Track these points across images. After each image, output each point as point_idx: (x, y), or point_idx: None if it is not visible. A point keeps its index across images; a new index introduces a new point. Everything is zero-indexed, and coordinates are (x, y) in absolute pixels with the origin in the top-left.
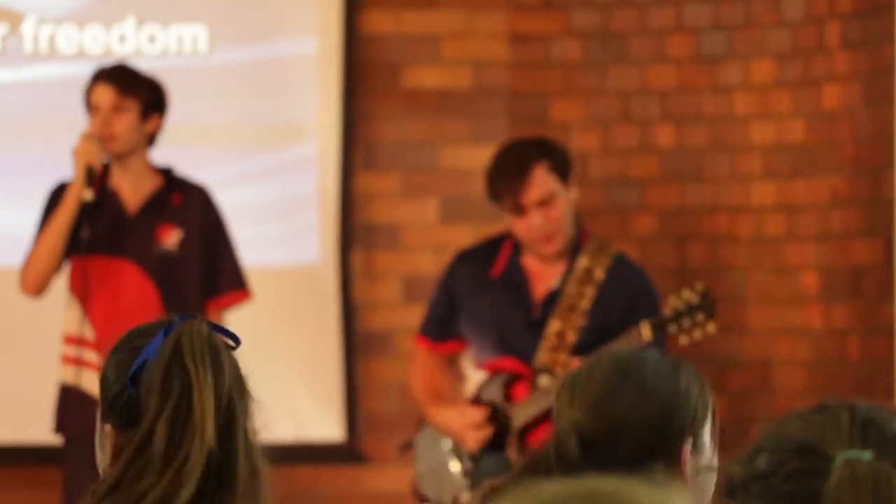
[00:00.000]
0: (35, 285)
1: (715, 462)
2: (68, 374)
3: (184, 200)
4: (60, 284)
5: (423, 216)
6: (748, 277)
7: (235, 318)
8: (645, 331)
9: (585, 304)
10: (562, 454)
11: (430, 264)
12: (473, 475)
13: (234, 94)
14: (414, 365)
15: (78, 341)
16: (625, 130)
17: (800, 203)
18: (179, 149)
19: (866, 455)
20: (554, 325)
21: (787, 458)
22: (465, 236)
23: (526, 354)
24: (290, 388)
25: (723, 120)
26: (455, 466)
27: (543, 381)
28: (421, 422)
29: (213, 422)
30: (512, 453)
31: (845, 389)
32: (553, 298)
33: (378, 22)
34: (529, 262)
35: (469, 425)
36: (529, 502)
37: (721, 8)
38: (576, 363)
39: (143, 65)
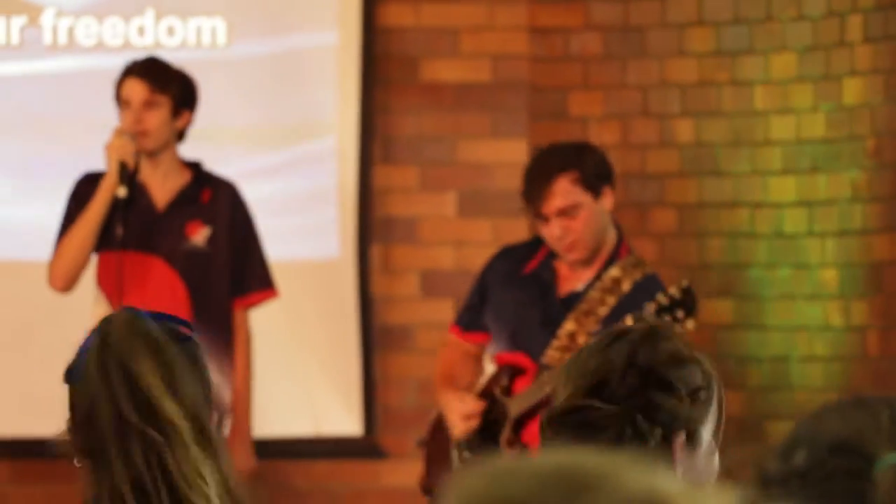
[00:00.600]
0: (64, 280)
1: (715, 461)
2: None
3: (213, 196)
4: (85, 279)
5: (441, 210)
6: (768, 273)
7: (254, 313)
8: (627, 324)
9: (604, 311)
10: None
11: (449, 259)
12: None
13: (252, 88)
14: (439, 351)
15: None
16: (644, 125)
17: (820, 198)
18: (197, 142)
19: None
20: (568, 326)
21: (827, 455)
22: (484, 231)
23: (536, 352)
24: (309, 383)
25: (743, 114)
26: (455, 456)
27: (544, 377)
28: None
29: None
30: (505, 443)
31: (865, 385)
32: (573, 300)
33: (397, 15)
34: (561, 265)
35: (461, 413)
36: (510, 479)
37: (742, 2)
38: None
39: (162, 56)
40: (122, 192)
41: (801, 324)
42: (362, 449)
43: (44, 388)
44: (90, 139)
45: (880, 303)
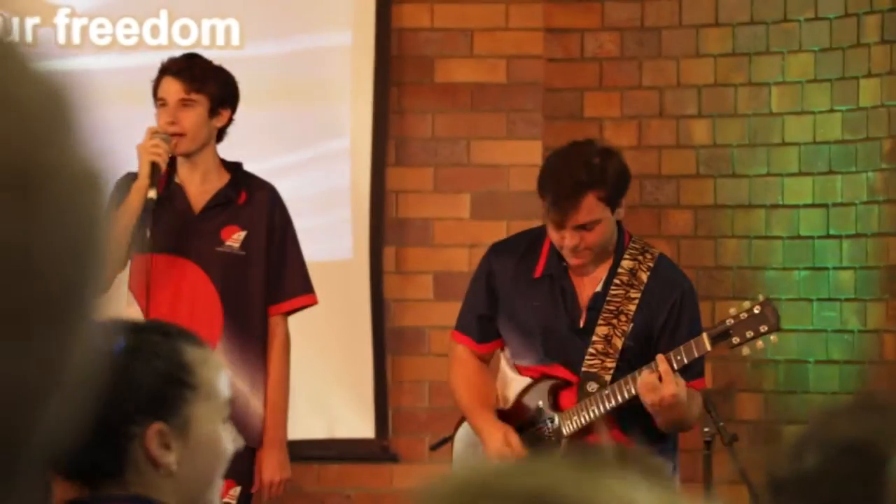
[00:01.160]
0: None
1: None
2: None
3: (249, 199)
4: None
5: (455, 212)
6: (784, 275)
7: None
8: (705, 342)
9: (631, 308)
10: None
11: (463, 260)
12: None
13: (266, 89)
14: (455, 364)
15: None
16: (660, 126)
17: (836, 200)
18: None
19: None
20: (601, 331)
21: (838, 457)
22: (498, 232)
23: (572, 361)
24: (322, 385)
25: (759, 116)
26: None
27: (591, 387)
28: (462, 420)
29: None
30: None
31: (881, 388)
32: (598, 303)
33: (412, 15)
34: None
35: (506, 455)
36: (482, 499)
37: (758, 2)
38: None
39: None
40: (152, 193)
41: (817, 326)
42: (375, 451)
43: None
44: (105, 138)
45: None
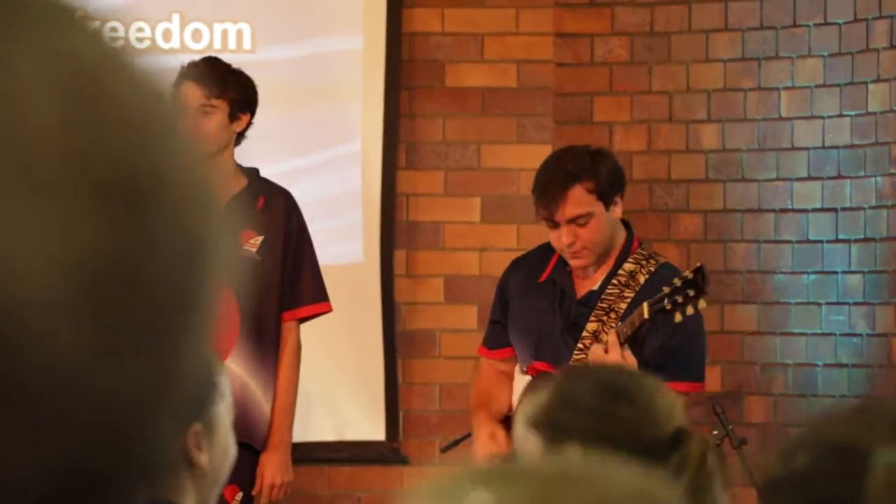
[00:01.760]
0: None
1: None
2: None
3: (266, 204)
4: None
5: (465, 215)
6: (793, 279)
7: None
8: (645, 310)
9: (623, 306)
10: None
11: (473, 264)
12: None
13: (278, 93)
14: (475, 374)
15: None
16: (670, 130)
17: (845, 204)
18: None
19: None
20: (591, 326)
21: (826, 457)
22: (508, 236)
23: (561, 357)
24: (333, 387)
25: (768, 120)
26: None
27: None
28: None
29: None
30: None
31: (890, 392)
32: (592, 299)
33: (423, 20)
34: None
35: (490, 449)
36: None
37: (767, 7)
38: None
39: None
40: None
41: (826, 330)
42: (385, 454)
43: None
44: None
45: None
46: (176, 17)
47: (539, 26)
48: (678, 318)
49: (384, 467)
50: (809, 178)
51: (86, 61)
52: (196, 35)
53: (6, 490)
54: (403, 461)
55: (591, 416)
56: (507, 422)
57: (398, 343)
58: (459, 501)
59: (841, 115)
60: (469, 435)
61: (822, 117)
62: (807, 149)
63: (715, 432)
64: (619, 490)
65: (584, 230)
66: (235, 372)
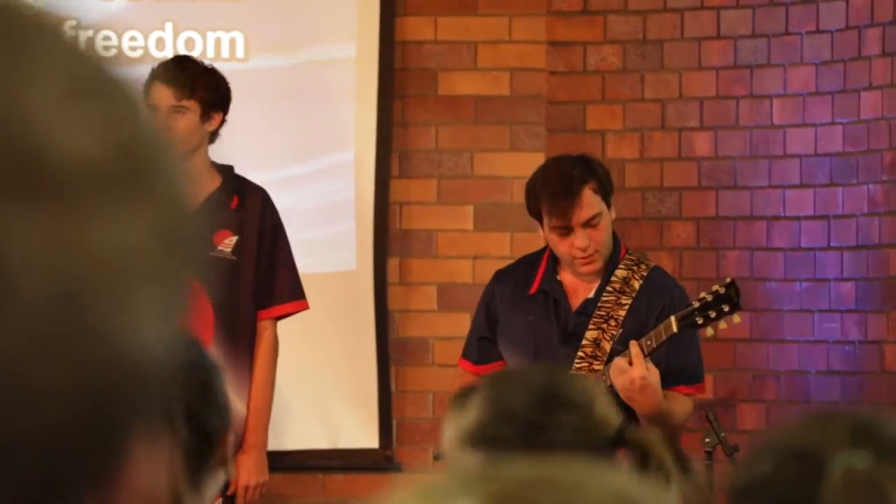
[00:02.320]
0: None
1: None
2: None
3: (241, 203)
4: None
5: (458, 223)
6: (785, 286)
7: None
8: (672, 324)
9: (622, 312)
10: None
11: (466, 272)
12: None
13: (271, 101)
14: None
15: None
16: (662, 138)
17: (837, 212)
18: (216, 155)
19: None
20: (590, 335)
21: (785, 463)
22: (501, 244)
23: (562, 366)
24: (325, 395)
25: (760, 128)
26: None
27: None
28: None
29: None
30: None
31: (882, 400)
32: (589, 307)
33: (416, 28)
34: (566, 276)
35: None
36: (481, 488)
37: (759, 15)
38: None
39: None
40: None
41: (818, 337)
42: (378, 461)
43: None
44: None
45: None
46: (169, 26)
47: (532, 34)
48: (710, 332)
49: (378, 475)
50: (802, 185)
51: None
52: (189, 43)
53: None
54: (397, 469)
55: (530, 428)
56: None
57: (391, 351)
58: None
59: (833, 123)
60: None
61: (815, 125)
62: (799, 156)
63: (707, 440)
64: (607, 495)
65: (597, 231)
66: None
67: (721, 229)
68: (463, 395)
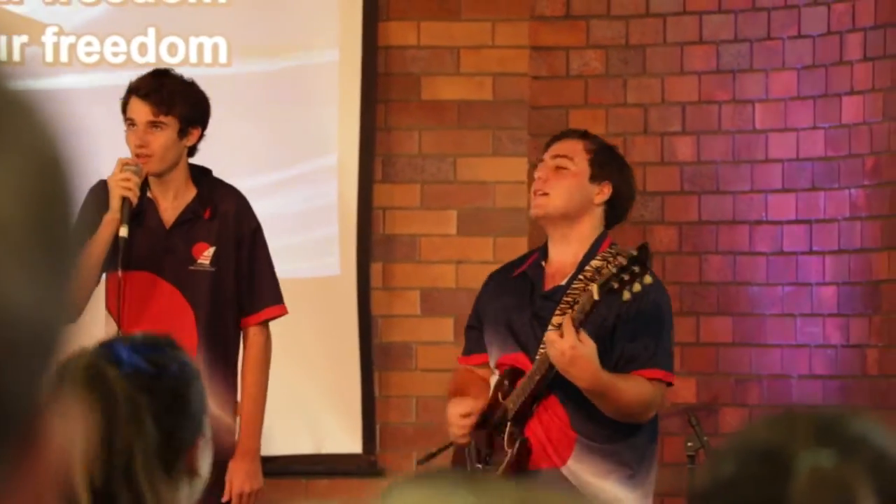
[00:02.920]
0: None
1: None
2: None
3: (214, 214)
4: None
5: (442, 228)
6: (767, 291)
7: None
8: (595, 291)
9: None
10: None
11: (449, 276)
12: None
13: (254, 106)
14: (452, 377)
15: None
16: (645, 143)
17: (819, 216)
18: (199, 160)
19: (828, 457)
20: (556, 320)
21: (751, 463)
22: (484, 249)
23: (530, 349)
24: (310, 400)
25: (743, 132)
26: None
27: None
28: None
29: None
30: (507, 443)
31: (864, 404)
32: (557, 294)
33: (399, 33)
34: (550, 263)
35: (457, 413)
36: None
37: (742, 20)
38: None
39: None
40: (123, 231)
41: (800, 342)
42: (362, 467)
43: None
44: (92, 155)
45: (879, 321)
46: (152, 32)
47: (515, 39)
48: (626, 296)
49: (361, 480)
50: (784, 190)
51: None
52: (172, 49)
53: None
54: (380, 474)
55: None
56: (482, 423)
57: (375, 356)
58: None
59: (815, 128)
60: (447, 447)
61: (796, 130)
62: (781, 161)
63: (690, 444)
64: None
65: (559, 175)
66: None
67: (703, 234)
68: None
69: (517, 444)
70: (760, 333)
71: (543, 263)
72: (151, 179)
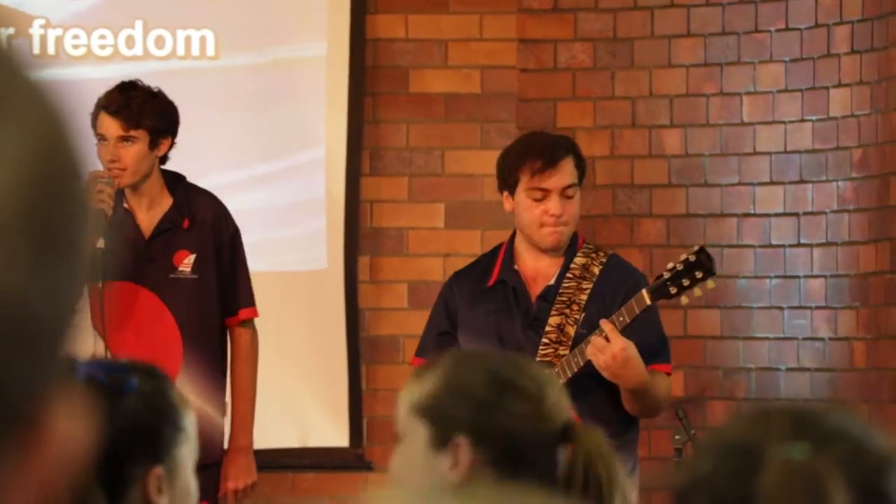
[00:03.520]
0: None
1: None
2: None
3: (192, 223)
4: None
5: (429, 221)
6: (755, 283)
7: None
8: (645, 296)
9: (583, 298)
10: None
11: (437, 270)
12: None
13: (241, 99)
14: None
15: None
16: (632, 135)
17: (807, 209)
18: (186, 154)
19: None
20: (553, 320)
21: (726, 459)
22: (472, 242)
23: (528, 353)
24: (296, 394)
25: (730, 125)
26: None
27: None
28: None
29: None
30: None
31: (851, 396)
32: (550, 294)
33: (386, 26)
34: (523, 266)
35: None
36: None
37: (729, 13)
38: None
39: (151, 67)
40: (100, 243)
41: (788, 334)
42: (349, 460)
43: None
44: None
45: (867, 314)
46: (139, 24)
47: (502, 32)
48: (685, 300)
49: (348, 473)
50: (772, 182)
51: None
52: (159, 42)
53: None
54: (367, 467)
55: (480, 408)
56: None
57: (362, 349)
58: None
59: (802, 120)
60: None
61: (784, 122)
62: (769, 153)
63: (677, 437)
64: None
65: (570, 204)
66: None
67: (691, 226)
68: (423, 368)
69: None
70: (748, 326)
71: (516, 267)
72: (126, 191)
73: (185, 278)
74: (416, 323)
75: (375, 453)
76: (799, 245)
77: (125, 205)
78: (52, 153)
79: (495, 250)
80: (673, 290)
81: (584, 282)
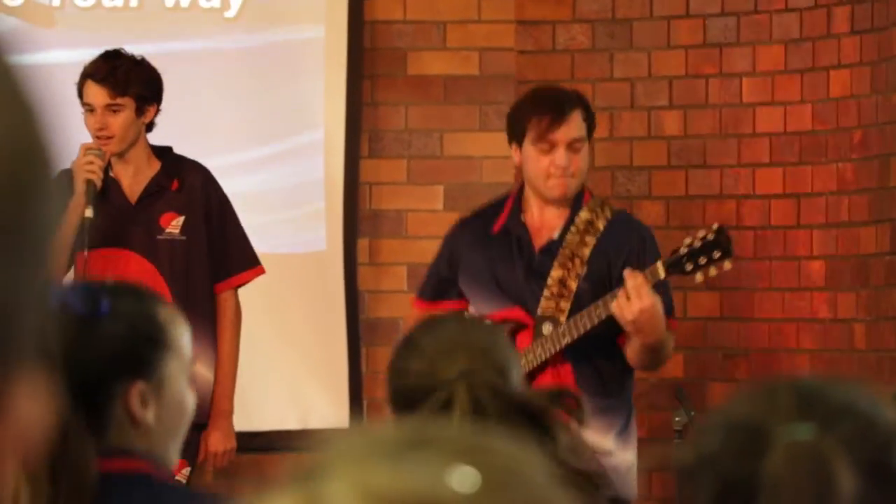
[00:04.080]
0: None
1: None
2: None
3: (182, 185)
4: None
5: (428, 204)
6: (754, 265)
7: (242, 307)
8: (659, 269)
9: (586, 252)
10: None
11: (436, 252)
12: None
13: (240, 81)
14: (405, 324)
15: None
16: (632, 117)
17: (807, 190)
18: (184, 135)
19: (807, 430)
20: (555, 273)
21: (732, 437)
22: None
23: (527, 303)
24: (296, 376)
25: (730, 107)
26: None
27: (546, 328)
28: None
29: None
30: None
31: (852, 378)
32: (553, 247)
33: (384, 8)
34: (530, 218)
35: None
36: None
37: None
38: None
39: (149, 49)
40: (89, 212)
41: (788, 316)
42: None
43: None
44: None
45: (867, 295)
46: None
47: (501, 14)
48: (699, 278)
49: None
50: (771, 164)
51: None
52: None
53: None
54: None
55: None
56: None
57: (361, 331)
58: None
59: (802, 102)
60: None
61: (784, 104)
62: (769, 135)
63: (677, 419)
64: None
65: (577, 157)
66: None
67: (691, 208)
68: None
69: None
70: (748, 308)
71: (523, 217)
72: (113, 159)
73: (172, 239)
74: None
75: None
76: (798, 227)
77: (111, 174)
78: (20, 142)
79: (503, 199)
80: (689, 267)
81: (588, 236)
